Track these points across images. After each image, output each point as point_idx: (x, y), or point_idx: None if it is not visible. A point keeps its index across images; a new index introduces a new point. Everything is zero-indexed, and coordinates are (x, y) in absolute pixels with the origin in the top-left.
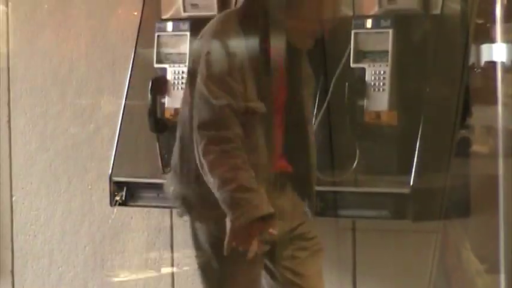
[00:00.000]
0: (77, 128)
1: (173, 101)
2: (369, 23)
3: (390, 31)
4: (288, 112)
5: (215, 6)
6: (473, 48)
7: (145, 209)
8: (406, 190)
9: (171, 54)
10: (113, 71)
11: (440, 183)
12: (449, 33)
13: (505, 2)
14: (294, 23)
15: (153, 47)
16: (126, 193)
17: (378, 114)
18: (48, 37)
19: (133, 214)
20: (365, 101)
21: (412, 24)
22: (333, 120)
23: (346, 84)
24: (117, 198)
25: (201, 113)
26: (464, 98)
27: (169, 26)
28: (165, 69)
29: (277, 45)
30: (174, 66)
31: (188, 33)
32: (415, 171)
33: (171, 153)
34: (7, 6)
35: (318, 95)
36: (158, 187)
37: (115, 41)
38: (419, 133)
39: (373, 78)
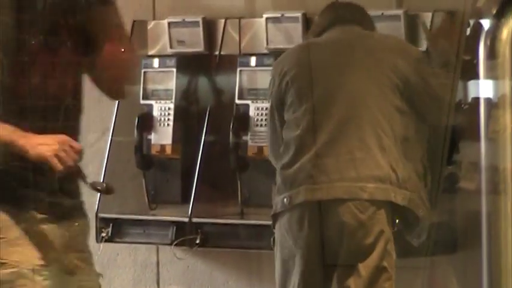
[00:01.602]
0: None
1: (159, 137)
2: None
3: None
4: None
5: (202, 43)
6: (460, 84)
7: (132, 246)
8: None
9: (157, 90)
10: (99, 107)
11: (428, 219)
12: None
13: (489, 39)
14: None
15: (139, 83)
16: (112, 229)
17: None
18: None
19: (119, 250)
20: None
21: None
22: None
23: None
24: (104, 234)
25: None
26: (452, 134)
27: (156, 62)
28: (151, 106)
29: None
30: (160, 102)
31: (174, 70)
32: None
33: (158, 189)
34: None
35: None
36: (144, 223)
37: None
38: None
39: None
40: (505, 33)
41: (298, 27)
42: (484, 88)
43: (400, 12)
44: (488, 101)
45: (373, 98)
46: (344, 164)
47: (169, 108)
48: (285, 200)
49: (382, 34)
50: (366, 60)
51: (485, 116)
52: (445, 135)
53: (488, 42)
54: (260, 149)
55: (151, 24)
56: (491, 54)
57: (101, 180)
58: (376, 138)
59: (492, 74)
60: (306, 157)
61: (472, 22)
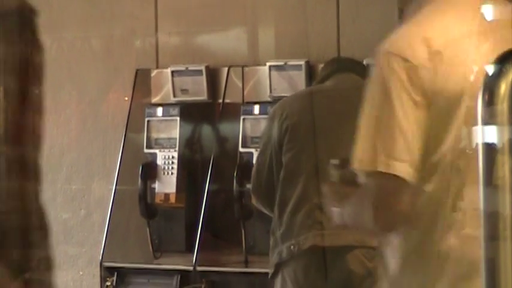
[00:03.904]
0: (67, 214)
1: (163, 186)
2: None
3: None
4: None
5: (205, 91)
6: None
7: None
8: None
9: (161, 139)
10: (103, 156)
11: None
12: None
13: (491, 84)
14: None
15: (143, 131)
16: (117, 278)
17: None
18: None
19: None
20: None
21: None
22: None
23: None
24: (108, 283)
25: None
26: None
27: (159, 111)
28: (155, 154)
29: None
30: (164, 151)
31: (178, 118)
32: None
33: (162, 238)
34: None
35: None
36: (149, 272)
37: (105, 126)
38: None
39: None
40: (503, 84)
41: (302, 74)
42: (483, 133)
43: None
44: (492, 146)
45: None
46: None
47: (173, 157)
48: (292, 247)
49: None
50: None
51: (485, 162)
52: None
53: (491, 88)
54: None
55: (154, 73)
56: (492, 99)
57: (106, 229)
58: None
59: (495, 119)
60: (313, 202)
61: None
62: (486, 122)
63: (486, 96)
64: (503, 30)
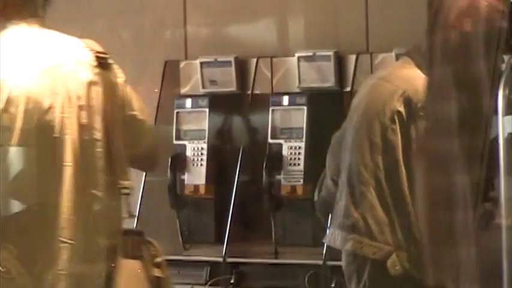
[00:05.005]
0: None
1: (193, 177)
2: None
3: None
4: None
5: (234, 82)
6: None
7: None
8: None
9: (190, 130)
10: None
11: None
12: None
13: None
14: None
15: (172, 123)
16: None
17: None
18: None
19: None
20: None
21: None
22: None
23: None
24: None
25: None
26: (487, 170)
27: (188, 102)
28: (184, 146)
29: None
30: (193, 142)
31: (207, 110)
32: None
33: (191, 230)
34: None
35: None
36: (179, 264)
37: None
38: None
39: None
40: None
41: (331, 65)
42: (502, 124)
43: None
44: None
45: None
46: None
47: (202, 148)
48: None
49: None
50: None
51: (505, 152)
52: (480, 171)
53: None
54: (293, 188)
55: (183, 64)
56: None
57: (135, 221)
58: None
59: None
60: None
61: (506, 58)
62: (507, 113)
63: (507, 89)
64: None
